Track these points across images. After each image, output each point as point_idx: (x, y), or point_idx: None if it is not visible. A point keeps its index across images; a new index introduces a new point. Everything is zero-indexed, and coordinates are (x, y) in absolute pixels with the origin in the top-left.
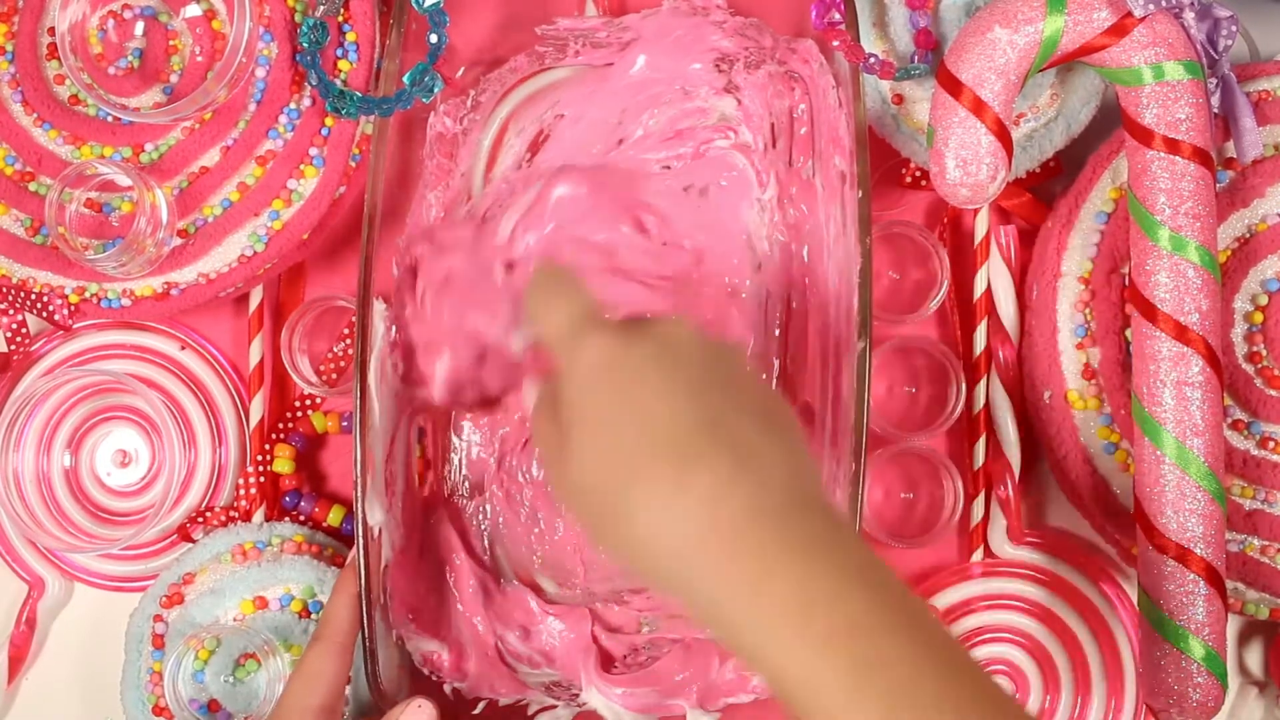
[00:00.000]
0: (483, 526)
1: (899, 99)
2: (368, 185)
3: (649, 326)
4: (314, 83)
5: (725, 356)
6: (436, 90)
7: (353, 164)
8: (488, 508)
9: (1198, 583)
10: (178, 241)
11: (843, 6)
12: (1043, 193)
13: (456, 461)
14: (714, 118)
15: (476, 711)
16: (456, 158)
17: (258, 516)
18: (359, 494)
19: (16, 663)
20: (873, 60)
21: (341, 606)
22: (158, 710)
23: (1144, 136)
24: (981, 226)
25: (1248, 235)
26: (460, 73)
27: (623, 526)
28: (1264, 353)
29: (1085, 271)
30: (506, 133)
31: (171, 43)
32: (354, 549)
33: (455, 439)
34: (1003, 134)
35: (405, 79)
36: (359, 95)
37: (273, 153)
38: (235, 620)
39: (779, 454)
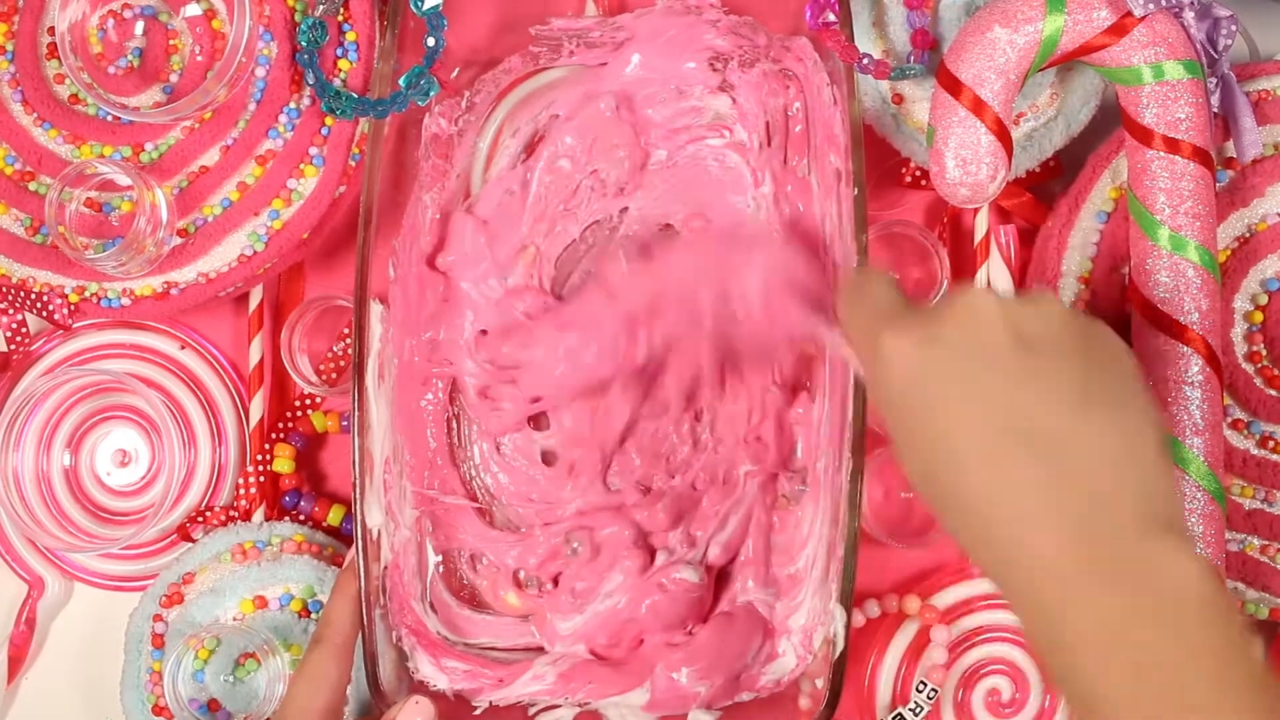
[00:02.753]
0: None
1: (899, 99)
2: (363, 186)
3: (950, 308)
4: (311, 82)
5: (1032, 322)
6: (432, 94)
7: (352, 164)
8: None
9: None
10: (178, 241)
11: (837, 6)
12: (1043, 192)
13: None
14: (709, 116)
15: (477, 712)
16: (452, 159)
17: (257, 516)
18: (357, 495)
19: (16, 663)
20: (867, 60)
21: (341, 607)
22: (158, 710)
23: (1144, 136)
24: (981, 226)
25: (1248, 235)
26: (455, 74)
27: (954, 528)
28: (1264, 353)
29: (1085, 271)
30: (502, 134)
31: (171, 42)
32: (352, 549)
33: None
34: (1003, 134)
35: (401, 81)
36: (355, 96)
37: (272, 152)
38: (235, 620)
39: (1099, 452)
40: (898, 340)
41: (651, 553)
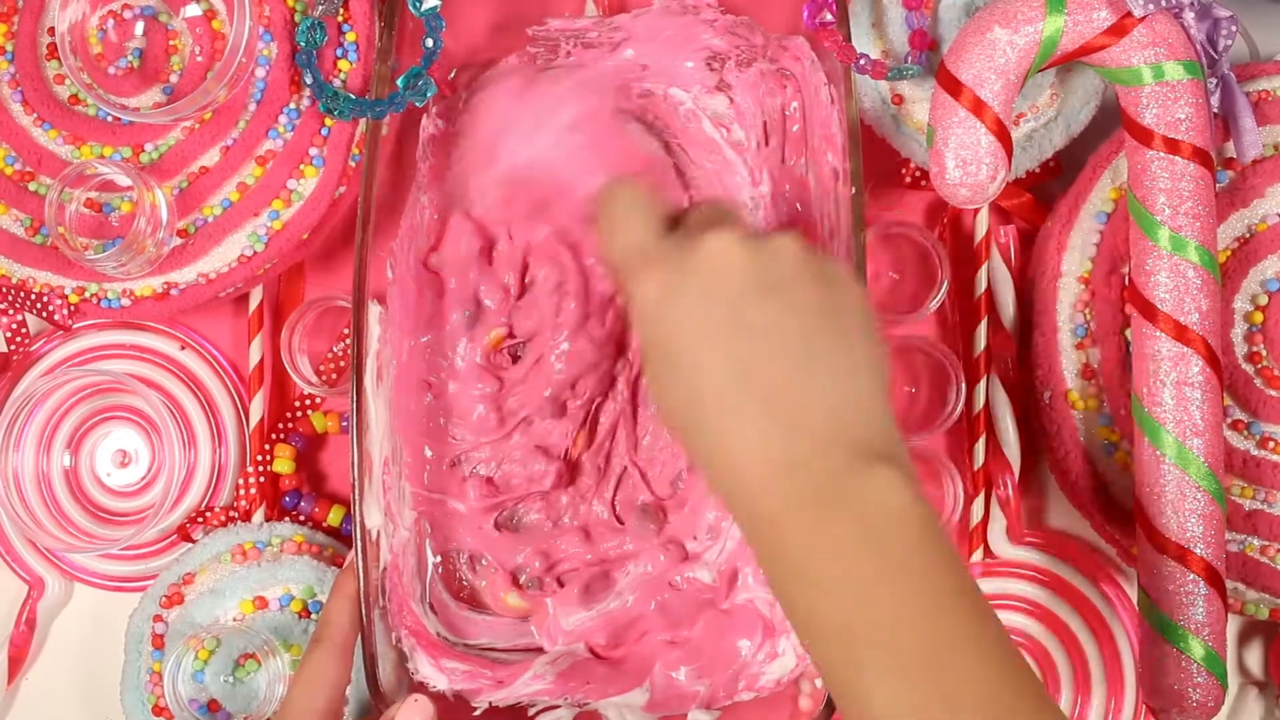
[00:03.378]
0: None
1: (899, 99)
2: (360, 187)
3: (696, 251)
4: (309, 82)
5: (769, 267)
6: (430, 95)
7: (352, 164)
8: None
9: (1198, 583)
10: (177, 241)
11: (834, 6)
12: (1043, 193)
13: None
14: (706, 116)
15: (476, 712)
16: (450, 159)
17: (257, 516)
18: (356, 496)
19: (16, 663)
20: (864, 60)
21: (340, 608)
22: (158, 710)
23: (1144, 136)
24: (981, 226)
25: (1248, 235)
26: (453, 75)
27: (703, 466)
28: (1264, 353)
29: (1085, 271)
30: None
31: (171, 43)
32: (352, 550)
33: None
34: (1002, 134)
35: (399, 82)
36: (352, 97)
37: (272, 153)
38: (235, 620)
39: (818, 397)
40: (648, 284)
41: (680, 547)
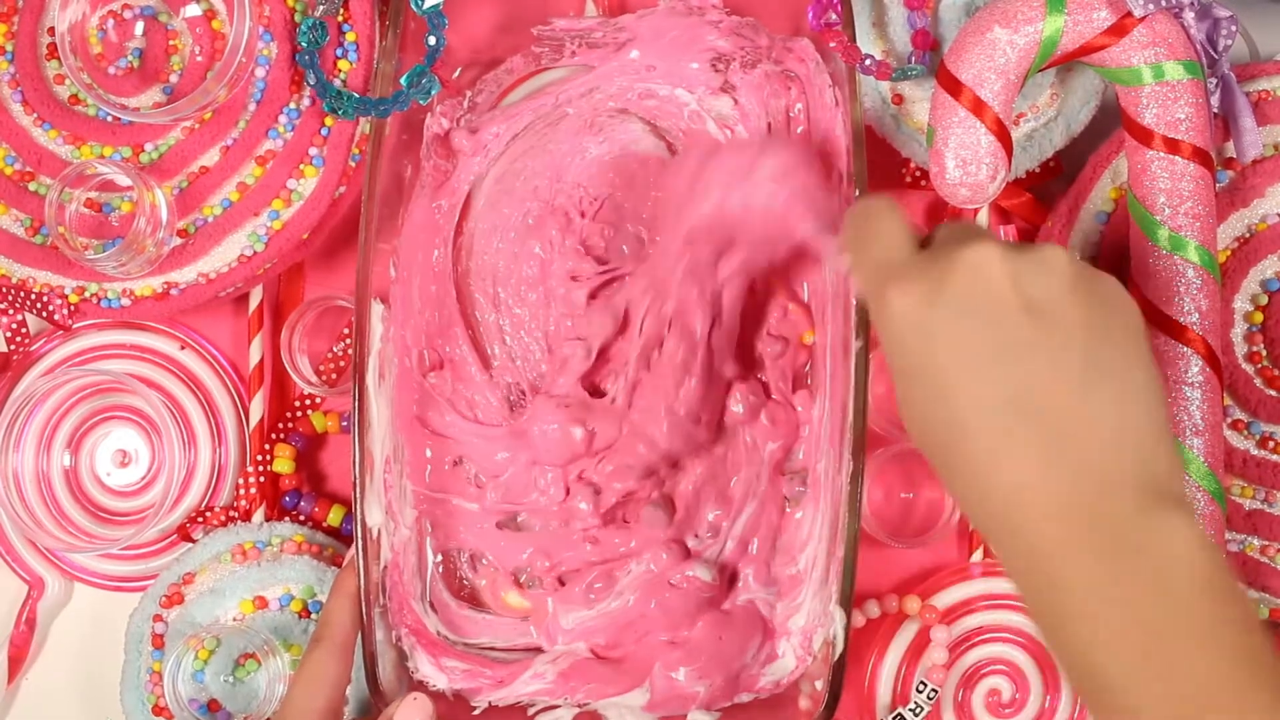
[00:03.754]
0: None
1: (899, 99)
2: (364, 186)
3: (957, 263)
4: (312, 83)
5: (1038, 283)
6: (434, 92)
7: (352, 164)
8: None
9: None
10: (177, 241)
11: (839, 7)
12: (1043, 193)
13: None
14: (711, 117)
15: (476, 712)
16: (454, 158)
17: (258, 516)
18: (358, 494)
19: (16, 663)
20: (869, 61)
21: (340, 607)
22: (158, 710)
23: (1144, 136)
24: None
25: (1248, 235)
26: (457, 74)
27: (962, 493)
28: (1264, 353)
29: None
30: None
31: (171, 43)
32: (352, 548)
33: None
34: (1002, 134)
35: (403, 81)
36: (356, 96)
37: (272, 152)
38: (235, 620)
39: (1099, 426)
40: (903, 298)
41: (682, 546)
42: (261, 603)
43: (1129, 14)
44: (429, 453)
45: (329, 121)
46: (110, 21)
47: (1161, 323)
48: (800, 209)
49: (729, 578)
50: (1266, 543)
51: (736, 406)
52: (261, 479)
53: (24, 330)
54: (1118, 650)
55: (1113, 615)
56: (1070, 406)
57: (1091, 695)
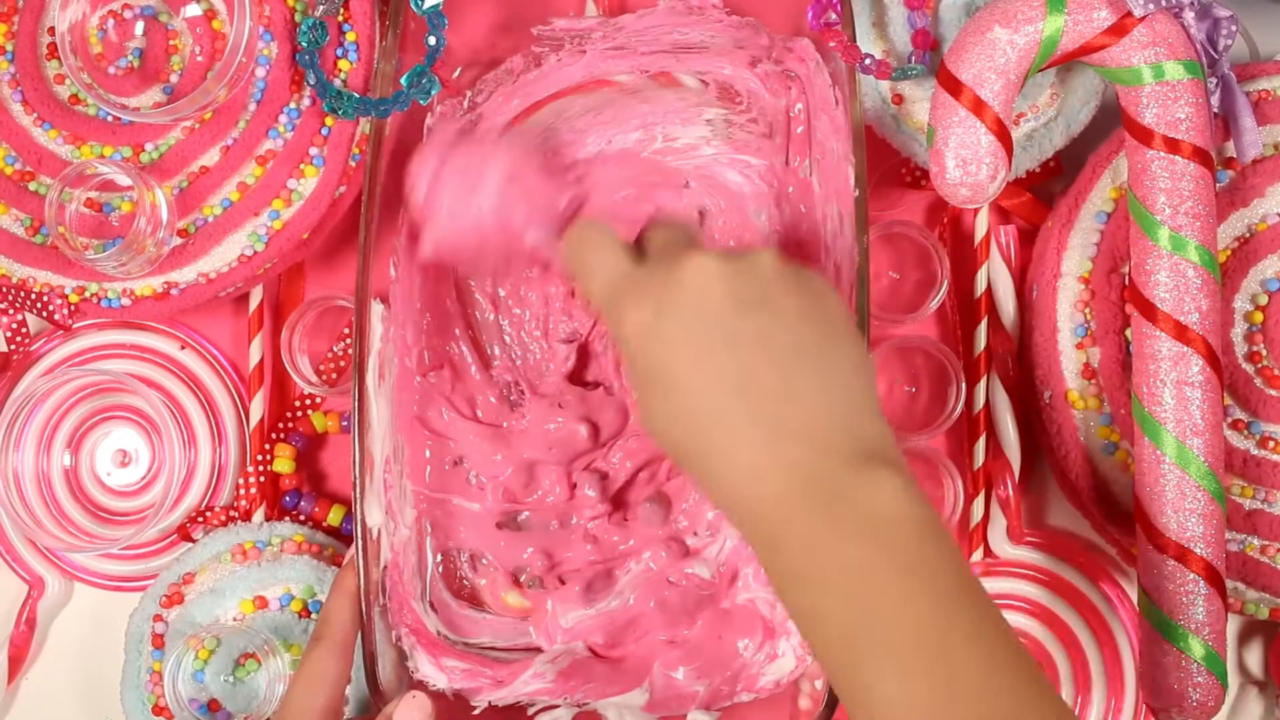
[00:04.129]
0: None
1: (899, 99)
2: (364, 186)
3: (678, 274)
4: (312, 82)
5: (750, 285)
6: (434, 92)
7: (353, 164)
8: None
9: (1198, 583)
10: (178, 241)
11: (839, 7)
12: (1043, 193)
13: None
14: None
15: (476, 712)
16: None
17: (258, 516)
18: (357, 495)
19: (16, 663)
20: (869, 61)
21: (340, 606)
22: (158, 710)
23: (1144, 136)
24: (981, 226)
25: (1248, 235)
26: (457, 74)
27: (703, 481)
28: (1264, 352)
29: (1085, 271)
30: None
31: (171, 42)
32: (352, 548)
33: None
34: (1003, 134)
35: (403, 80)
36: (356, 96)
37: (273, 152)
38: (235, 620)
39: (809, 400)
40: (636, 311)
41: (681, 544)
42: (262, 602)
43: (1129, 14)
44: (429, 453)
45: (329, 121)
46: (110, 21)
47: (1161, 323)
48: (522, 215)
49: (729, 576)
50: (1266, 543)
51: None
52: (261, 479)
53: (24, 330)
54: (837, 596)
55: (829, 564)
56: (783, 386)
57: (819, 647)
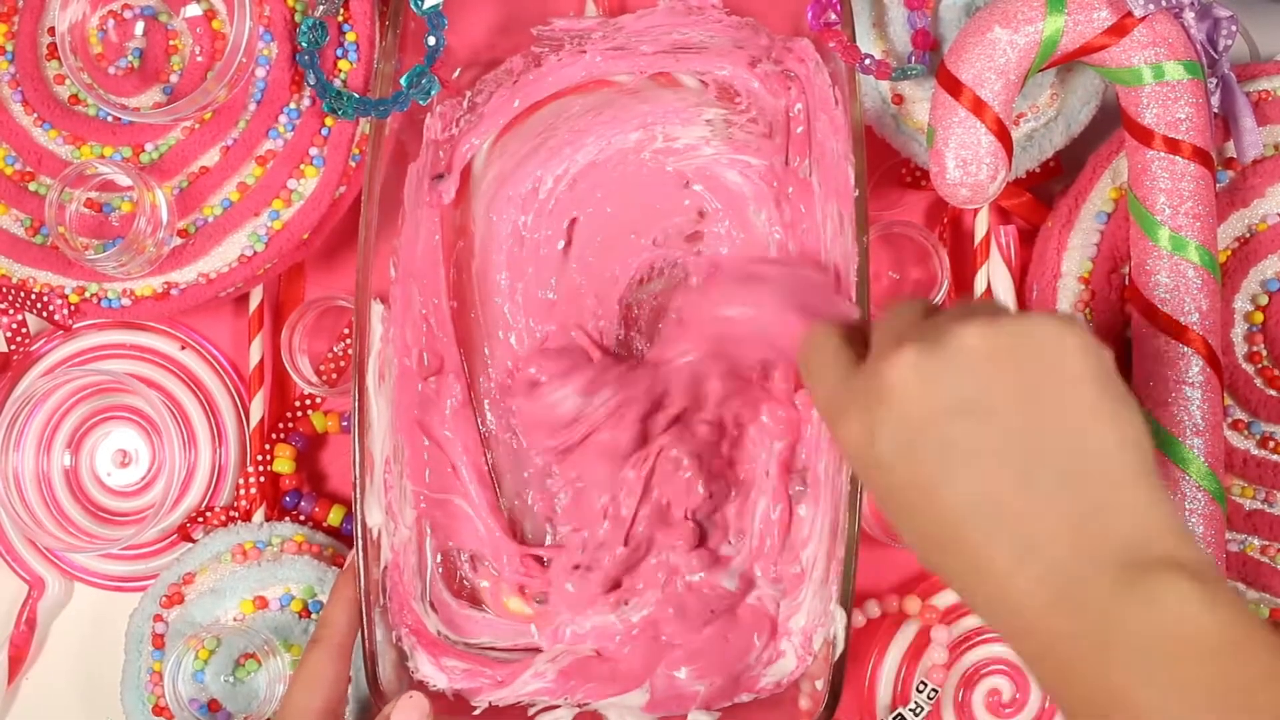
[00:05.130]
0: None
1: (899, 99)
2: (364, 186)
3: (880, 384)
4: (312, 83)
5: (955, 380)
6: (433, 93)
7: (353, 164)
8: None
9: None
10: (178, 241)
11: (839, 7)
12: (1043, 193)
13: None
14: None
15: (477, 712)
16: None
17: (258, 516)
18: (358, 495)
19: (16, 663)
20: (869, 61)
21: (340, 608)
22: (158, 710)
23: (1144, 136)
24: (981, 226)
25: (1248, 235)
26: (457, 74)
27: (970, 605)
28: (1264, 353)
29: (1085, 271)
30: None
31: (171, 43)
32: (353, 550)
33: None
34: (1003, 134)
35: (402, 81)
36: (356, 96)
37: (273, 152)
38: (235, 620)
39: (1050, 515)
40: (847, 434)
41: (712, 554)
42: (262, 603)
43: (1129, 14)
44: (427, 455)
45: (329, 121)
46: (110, 21)
47: (1161, 323)
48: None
49: (747, 583)
50: (1266, 543)
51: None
52: (262, 479)
53: (24, 330)
54: None
55: (1119, 704)
56: (1021, 503)
57: None
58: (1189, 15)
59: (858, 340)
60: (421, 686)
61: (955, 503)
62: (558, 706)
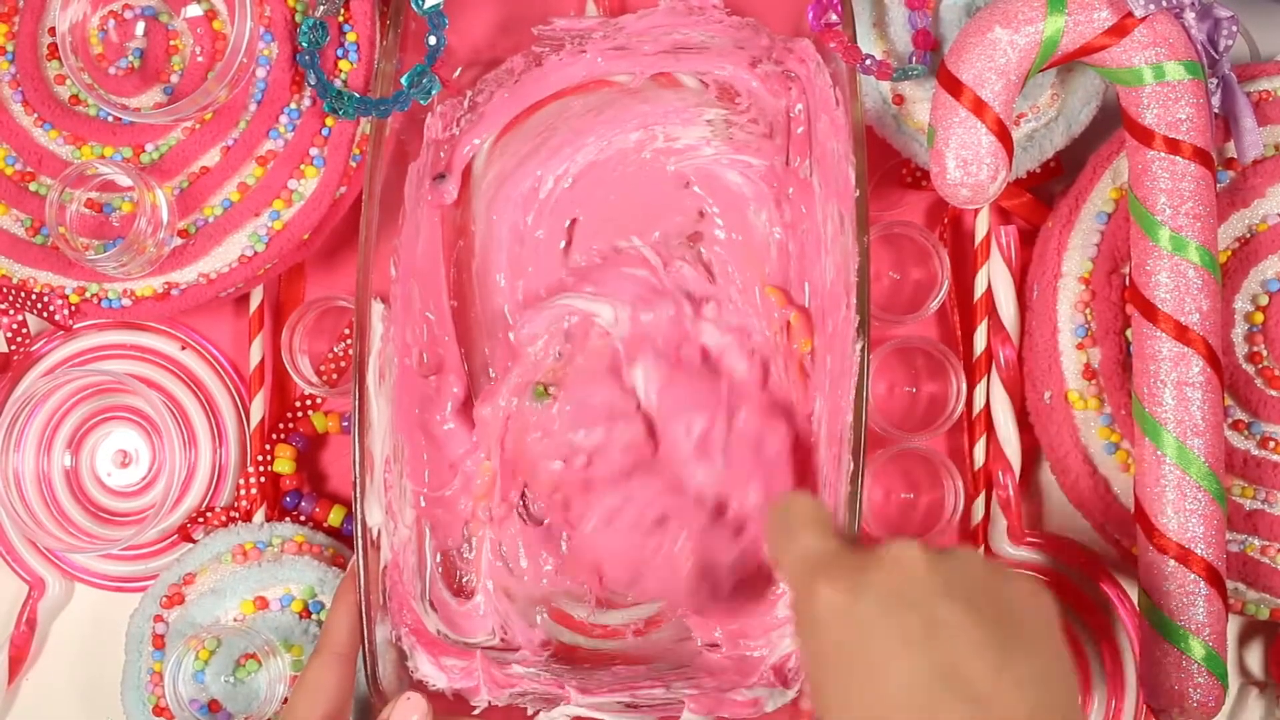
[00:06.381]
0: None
1: (899, 99)
2: (364, 186)
3: (880, 555)
4: (312, 83)
5: (957, 573)
6: (434, 92)
7: (353, 164)
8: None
9: (1198, 583)
10: (178, 241)
11: (839, 7)
12: (1043, 193)
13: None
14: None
15: (476, 712)
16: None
17: (258, 517)
18: (358, 495)
19: (16, 663)
20: (870, 61)
21: (342, 617)
22: (158, 710)
23: (1144, 136)
24: (982, 226)
25: (1248, 235)
26: (457, 73)
27: None
28: (1264, 353)
29: (1085, 271)
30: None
31: (172, 43)
32: (354, 557)
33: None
34: (1003, 134)
35: (403, 80)
36: (357, 96)
37: (273, 153)
38: (235, 620)
39: (1020, 694)
40: (831, 588)
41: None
42: (262, 603)
43: (1130, 14)
44: (427, 455)
45: (330, 122)
46: (111, 22)
47: (1161, 323)
48: None
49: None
50: (1266, 543)
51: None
52: (262, 479)
53: (24, 330)
54: None
55: None
56: (991, 683)
57: None
58: (1189, 15)
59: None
60: (421, 686)
61: (926, 674)
62: (557, 705)
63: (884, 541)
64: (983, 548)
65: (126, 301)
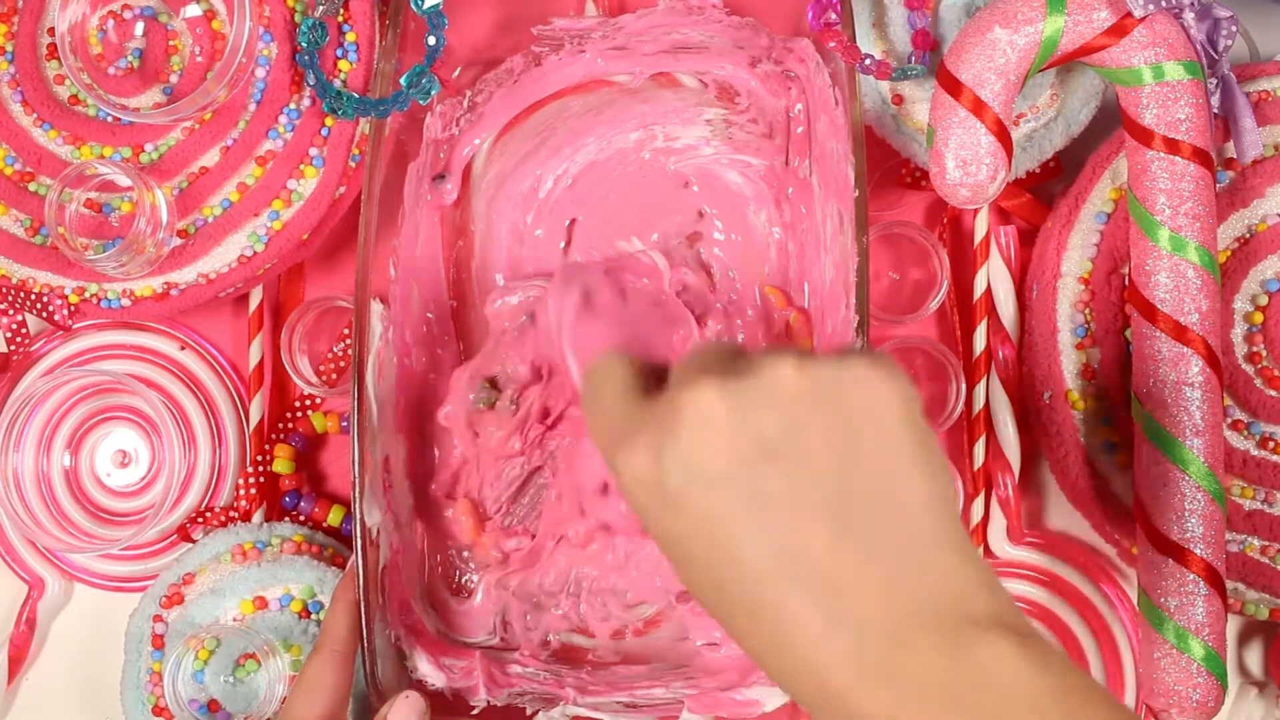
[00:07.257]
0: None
1: (899, 99)
2: (364, 186)
3: (675, 413)
4: (312, 83)
5: (767, 420)
6: (433, 92)
7: (352, 164)
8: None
9: (1198, 583)
10: (177, 242)
11: (839, 7)
12: (1043, 193)
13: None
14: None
15: (475, 711)
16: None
17: (257, 517)
18: (357, 495)
19: (16, 663)
20: (869, 61)
21: (341, 615)
22: (158, 710)
23: (1144, 137)
24: (981, 227)
25: (1247, 235)
26: (457, 73)
27: (766, 667)
28: (1264, 353)
29: (1085, 271)
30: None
31: (171, 43)
32: (353, 555)
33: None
34: (1003, 134)
35: (402, 80)
36: (356, 96)
37: (272, 153)
38: (235, 620)
39: (864, 571)
40: (629, 460)
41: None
42: (261, 603)
43: (1129, 14)
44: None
45: (329, 122)
46: (110, 22)
47: (1161, 323)
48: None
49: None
50: (1266, 543)
51: None
52: (261, 479)
53: (24, 331)
54: None
55: None
56: (832, 558)
57: None
58: (1189, 15)
59: (658, 378)
60: (420, 686)
61: (756, 556)
62: (556, 705)
63: (688, 375)
64: (981, 549)
65: (126, 301)
